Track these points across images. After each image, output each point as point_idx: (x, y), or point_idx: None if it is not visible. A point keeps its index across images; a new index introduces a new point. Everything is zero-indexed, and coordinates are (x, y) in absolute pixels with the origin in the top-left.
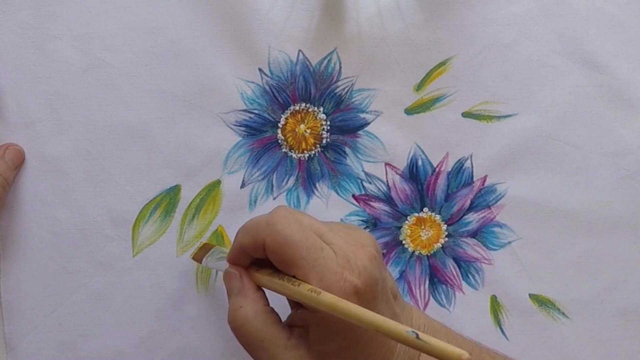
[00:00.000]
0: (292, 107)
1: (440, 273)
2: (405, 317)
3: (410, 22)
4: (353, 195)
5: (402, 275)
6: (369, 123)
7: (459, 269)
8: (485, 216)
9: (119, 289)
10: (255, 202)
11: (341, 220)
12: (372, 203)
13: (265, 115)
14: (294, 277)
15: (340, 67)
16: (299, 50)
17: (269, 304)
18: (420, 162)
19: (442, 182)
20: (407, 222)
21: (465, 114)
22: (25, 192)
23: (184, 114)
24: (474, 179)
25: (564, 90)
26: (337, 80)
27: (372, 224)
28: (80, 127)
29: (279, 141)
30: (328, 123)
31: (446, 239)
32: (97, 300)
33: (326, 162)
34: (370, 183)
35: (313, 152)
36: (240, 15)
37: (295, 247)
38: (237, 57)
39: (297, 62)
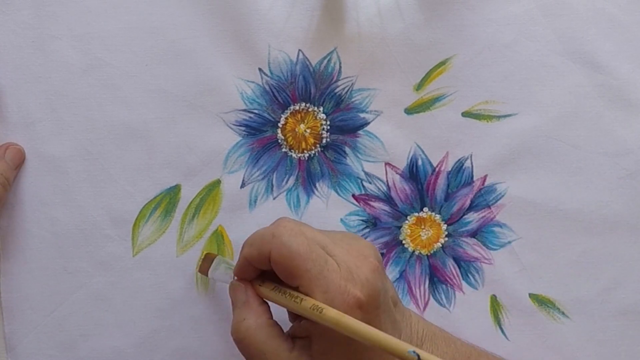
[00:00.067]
0: (292, 107)
1: (440, 273)
2: (405, 324)
3: (410, 22)
4: (353, 195)
5: (402, 275)
6: (369, 123)
7: (459, 268)
8: (485, 216)
9: (119, 289)
10: (255, 201)
11: (341, 220)
12: (372, 203)
13: (265, 115)
14: (297, 288)
15: (340, 67)
16: (299, 50)
17: (272, 317)
18: (420, 162)
19: (442, 181)
20: (407, 221)
21: (465, 114)
22: (25, 192)
23: (184, 114)
24: (474, 178)
25: (564, 90)
26: (337, 80)
27: (372, 223)
28: (80, 127)
29: (279, 141)
30: (328, 123)
31: (446, 238)
32: (97, 300)
33: (326, 162)
34: (370, 183)
35: (313, 151)
36: (240, 15)
37: (300, 259)
38: (237, 57)
39: (297, 62)
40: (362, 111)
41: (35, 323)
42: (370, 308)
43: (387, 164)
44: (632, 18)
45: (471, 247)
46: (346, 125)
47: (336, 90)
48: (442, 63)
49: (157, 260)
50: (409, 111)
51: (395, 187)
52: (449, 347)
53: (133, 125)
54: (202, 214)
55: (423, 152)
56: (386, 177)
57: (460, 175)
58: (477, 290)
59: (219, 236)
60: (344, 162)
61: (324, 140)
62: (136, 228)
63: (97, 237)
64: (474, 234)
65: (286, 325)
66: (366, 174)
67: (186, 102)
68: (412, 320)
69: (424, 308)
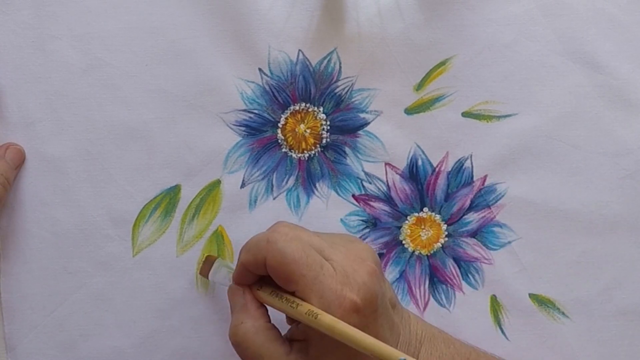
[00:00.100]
0: (292, 107)
1: (440, 273)
2: (403, 326)
3: (410, 22)
4: (353, 195)
5: (402, 275)
6: (369, 123)
7: (459, 268)
8: (485, 216)
9: (119, 289)
10: (255, 202)
11: (341, 220)
12: (372, 203)
13: (265, 115)
14: (294, 293)
15: (340, 67)
16: (299, 50)
17: (270, 321)
18: (420, 162)
19: (442, 182)
20: (407, 222)
21: (465, 114)
22: (25, 192)
23: (184, 114)
24: (474, 178)
25: (564, 90)
26: (337, 80)
27: (372, 223)
28: (80, 127)
29: (279, 141)
30: (328, 123)
31: (446, 238)
32: (97, 300)
33: (326, 162)
34: (370, 183)
35: (313, 152)
36: (240, 15)
37: (295, 265)
38: (237, 57)
39: (297, 62)
40: (362, 111)
41: (35, 323)
42: (367, 312)
43: (387, 164)
44: (632, 18)
45: (471, 247)
46: (346, 126)
47: (336, 91)
48: (442, 63)
49: (157, 260)
50: (409, 111)
51: (395, 187)
52: (449, 348)
53: (133, 125)
54: (202, 214)
55: (423, 152)
56: (386, 177)
57: (460, 175)
58: (477, 290)
59: (219, 236)
60: (344, 162)
61: (324, 141)
62: (136, 228)
63: (97, 237)
64: (474, 234)
65: (284, 327)
66: (366, 174)
67: (186, 102)
68: (411, 322)
69: (424, 308)
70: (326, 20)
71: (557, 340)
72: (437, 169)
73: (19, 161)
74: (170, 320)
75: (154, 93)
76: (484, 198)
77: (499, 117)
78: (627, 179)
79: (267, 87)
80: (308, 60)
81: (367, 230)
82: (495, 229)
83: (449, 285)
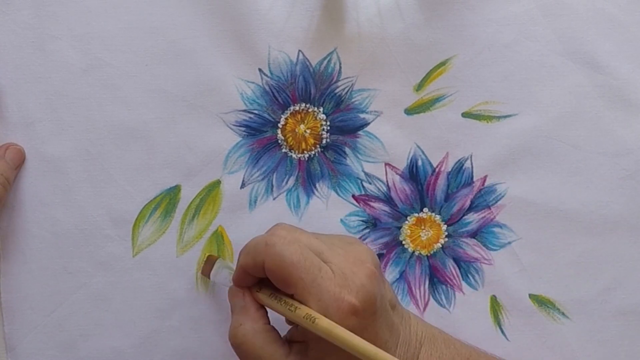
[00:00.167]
0: (292, 107)
1: (440, 273)
2: (403, 326)
3: (410, 22)
4: (353, 196)
5: (402, 275)
6: (369, 123)
7: (459, 269)
8: (485, 216)
9: (119, 289)
10: (255, 202)
11: (341, 220)
12: (372, 203)
13: (265, 115)
14: (293, 296)
15: (340, 67)
16: (299, 51)
17: (269, 322)
18: (420, 162)
19: (442, 182)
20: (407, 222)
21: (465, 114)
22: (25, 192)
23: (184, 114)
24: (474, 179)
25: (564, 90)
26: (337, 81)
27: (372, 224)
28: (80, 127)
29: (279, 141)
30: (328, 123)
31: (446, 239)
32: (97, 300)
33: (326, 162)
34: (370, 183)
35: (313, 152)
36: (240, 15)
37: (294, 268)
38: (237, 57)
39: (297, 62)
40: (362, 111)
41: (35, 323)
42: (366, 314)
43: (387, 164)
44: (632, 18)
45: (471, 248)
46: (346, 126)
47: (336, 91)
48: (442, 63)
49: (157, 260)
50: (409, 111)
51: (395, 187)
52: (449, 348)
53: (133, 125)
54: (202, 214)
55: (423, 152)
56: (386, 178)
57: (460, 175)
58: (477, 290)
59: (219, 236)
60: (344, 162)
61: (324, 141)
62: (136, 228)
63: (97, 237)
64: (474, 235)
65: (284, 328)
66: (366, 174)
67: (186, 102)
68: (411, 323)
69: (424, 308)
70: (326, 20)
71: (557, 341)
72: (437, 170)
73: (19, 161)
74: (170, 320)
75: (154, 93)
76: (484, 198)
77: (499, 118)
78: (627, 179)
79: (267, 88)
80: (308, 60)
81: (367, 230)
82: (495, 229)
83: (449, 285)
